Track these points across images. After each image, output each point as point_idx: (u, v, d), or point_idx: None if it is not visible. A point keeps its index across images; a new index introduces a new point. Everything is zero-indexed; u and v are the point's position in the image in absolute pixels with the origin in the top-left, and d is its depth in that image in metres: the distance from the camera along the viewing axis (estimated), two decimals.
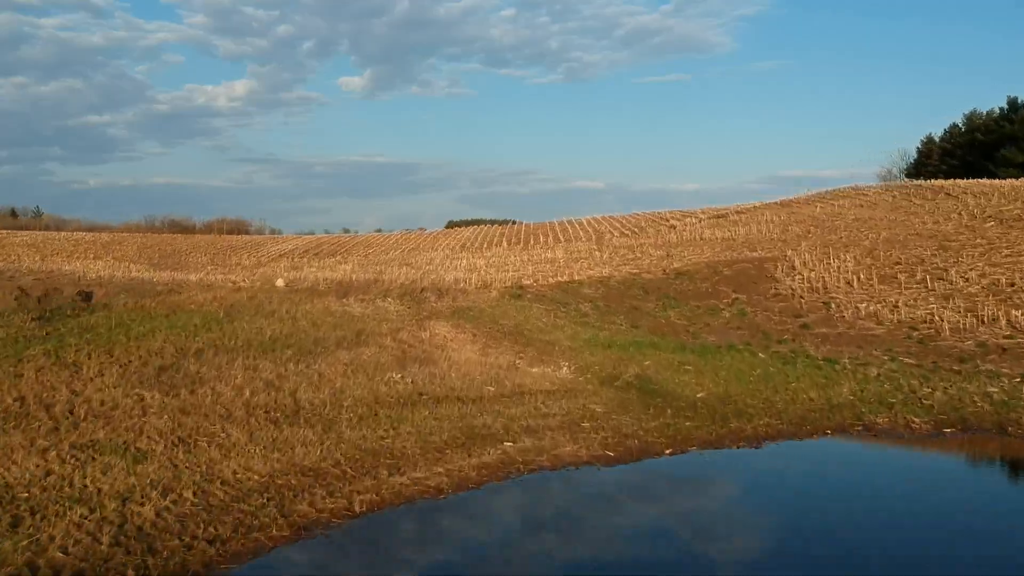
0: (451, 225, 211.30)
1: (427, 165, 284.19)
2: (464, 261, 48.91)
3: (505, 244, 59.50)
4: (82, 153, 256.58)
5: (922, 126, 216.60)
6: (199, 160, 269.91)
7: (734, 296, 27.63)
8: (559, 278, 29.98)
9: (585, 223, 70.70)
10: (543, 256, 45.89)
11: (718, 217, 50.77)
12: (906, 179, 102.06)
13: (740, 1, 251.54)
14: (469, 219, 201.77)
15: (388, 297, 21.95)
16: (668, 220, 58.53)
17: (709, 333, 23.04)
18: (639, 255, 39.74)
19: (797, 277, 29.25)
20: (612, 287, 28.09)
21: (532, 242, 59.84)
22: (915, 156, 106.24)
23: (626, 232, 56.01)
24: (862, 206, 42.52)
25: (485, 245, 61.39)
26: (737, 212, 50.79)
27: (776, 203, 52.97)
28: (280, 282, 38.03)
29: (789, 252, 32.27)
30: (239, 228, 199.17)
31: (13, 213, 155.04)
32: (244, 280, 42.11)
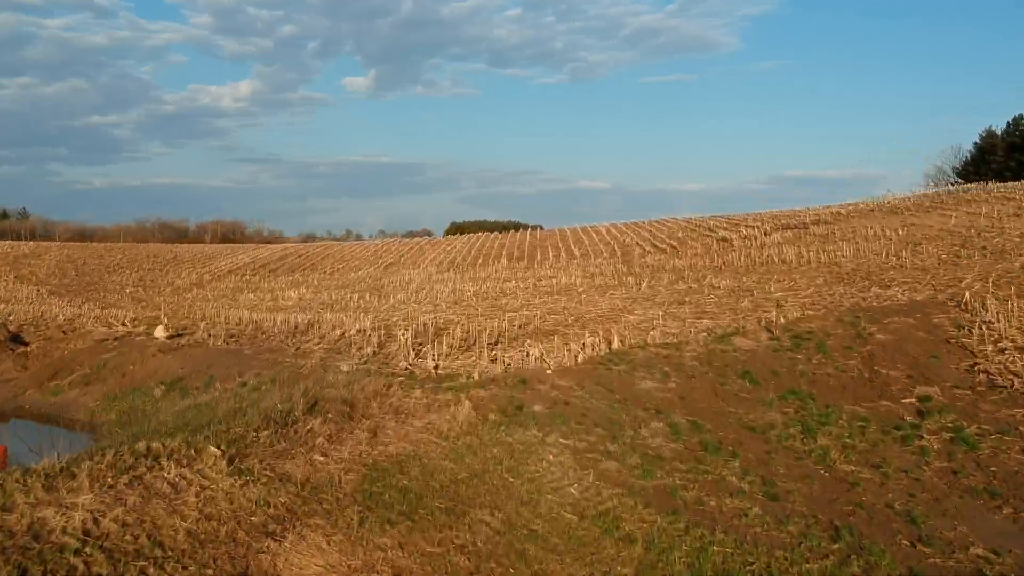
0: (453, 227, 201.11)
1: (431, 165, 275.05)
2: (449, 286, 36.34)
3: (505, 260, 46.82)
4: (87, 153, 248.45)
5: (925, 125, 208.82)
6: (204, 160, 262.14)
7: (916, 389, 14.93)
8: (591, 343, 17.29)
9: (604, 232, 57.90)
10: (554, 281, 33.28)
11: (791, 228, 37.87)
12: (959, 179, 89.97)
13: (744, 1, 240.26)
14: (472, 220, 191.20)
15: (211, 444, 9.37)
16: (714, 230, 45.71)
17: (937, 514, 10.38)
18: (695, 286, 27.04)
19: (1006, 342, 16.59)
20: (689, 368, 15.41)
21: (539, 256, 47.22)
22: (971, 152, 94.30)
23: (661, 245, 43.27)
24: (1018, 215, 29.70)
25: (480, 260, 48.80)
26: (818, 221, 37.87)
27: (869, 207, 39.94)
28: (160, 332, 25.42)
29: (967, 294, 19.52)
30: (235, 229, 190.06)
31: (4, 215, 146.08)
32: (126, 323, 29.57)
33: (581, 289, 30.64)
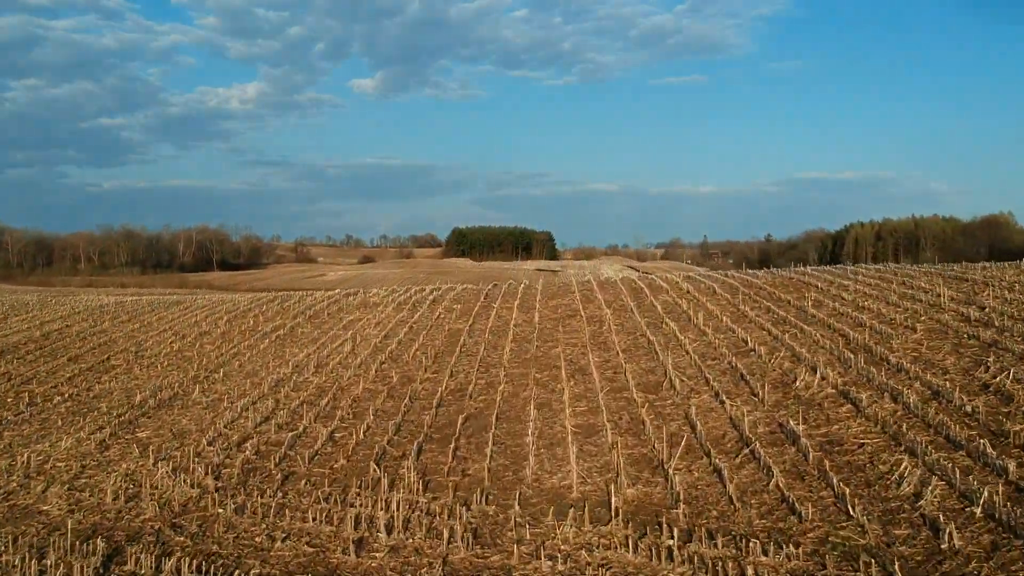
0: (456, 234, 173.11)
1: (440, 168, 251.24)
2: None
3: (415, 476, 15.12)
4: (97, 156, 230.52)
5: (933, 126, 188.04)
6: (213, 163, 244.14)
7: None
8: None
9: (682, 304, 24.96)
10: None
11: None
12: None
13: (757, 1, 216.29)
14: (476, 227, 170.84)
15: None
16: None
17: None
18: None
19: None
20: None
21: (537, 424, 15.96)
22: None
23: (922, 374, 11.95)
24: None
25: (379, 434, 17.68)
26: None
27: None
28: None
29: None
30: (218, 238, 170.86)
31: None
32: None
33: None
